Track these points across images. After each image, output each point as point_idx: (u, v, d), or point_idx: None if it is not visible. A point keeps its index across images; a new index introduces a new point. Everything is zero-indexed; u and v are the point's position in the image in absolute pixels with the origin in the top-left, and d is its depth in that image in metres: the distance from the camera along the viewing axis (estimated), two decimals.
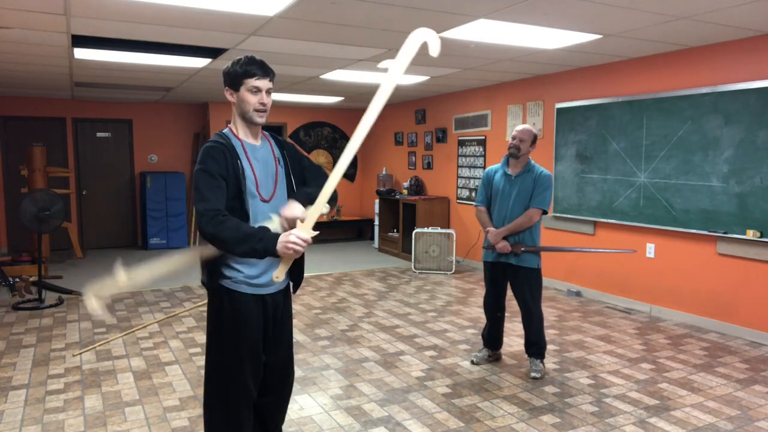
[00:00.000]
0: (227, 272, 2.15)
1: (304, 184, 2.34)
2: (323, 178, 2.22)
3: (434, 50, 1.91)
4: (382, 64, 1.87)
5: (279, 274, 2.06)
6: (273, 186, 2.20)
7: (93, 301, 2.22)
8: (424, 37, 1.88)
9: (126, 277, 2.19)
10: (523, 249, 3.76)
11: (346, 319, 5.27)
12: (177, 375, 3.86)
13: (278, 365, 2.34)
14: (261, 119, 2.15)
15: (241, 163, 2.11)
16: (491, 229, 3.86)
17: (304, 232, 1.97)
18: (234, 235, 1.94)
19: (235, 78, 2.11)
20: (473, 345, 4.51)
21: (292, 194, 2.27)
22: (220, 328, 2.19)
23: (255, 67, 2.09)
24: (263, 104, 2.12)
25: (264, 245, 1.94)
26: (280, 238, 1.94)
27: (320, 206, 2.03)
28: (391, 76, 1.94)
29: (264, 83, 2.11)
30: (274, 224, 2.10)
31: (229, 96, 2.16)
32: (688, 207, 5.00)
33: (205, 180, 2.04)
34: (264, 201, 2.16)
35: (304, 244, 1.95)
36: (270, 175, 2.20)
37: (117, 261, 2.22)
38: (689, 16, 3.97)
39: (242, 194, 2.10)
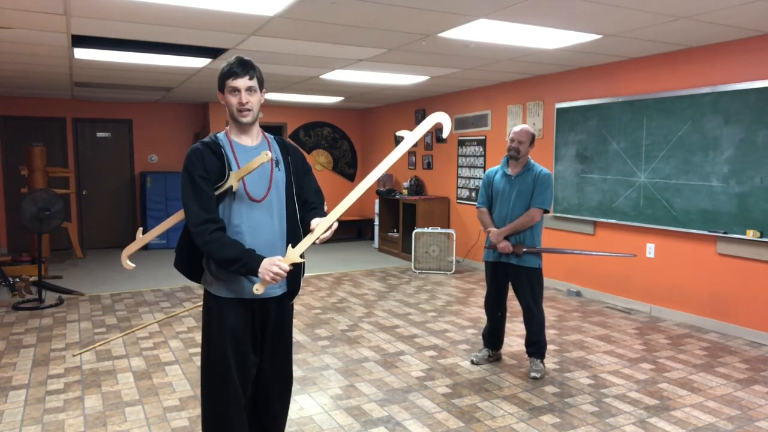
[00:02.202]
0: (210, 283, 2.22)
1: (302, 197, 2.34)
2: (320, 211, 2.33)
3: (446, 132, 2.26)
4: (400, 133, 2.20)
5: (259, 288, 2.09)
6: (266, 187, 2.18)
7: (125, 260, 2.63)
8: (439, 119, 2.23)
9: (141, 235, 2.59)
10: (524, 250, 3.76)
11: (346, 319, 5.27)
12: (177, 375, 3.86)
13: (275, 374, 2.33)
14: (245, 118, 2.13)
15: (227, 163, 2.11)
16: (493, 229, 3.86)
17: (287, 262, 2.07)
18: (220, 256, 2.06)
19: (219, 81, 2.14)
20: (473, 345, 4.51)
21: (291, 200, 2.26)
22: (208, 328, 2.24)
23: (234, 66, 2.09)
24: (242, 104, 2.10)
25: (247, 270, 2.05)
26: (265, 263, 2.03)
27: (309, 242, 2.11)
28: (405, 145, 2.20)
29: (242, 82, 2.09)
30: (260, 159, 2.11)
31: (220, 99, 2.18)
32: (688, 207, 5.00)
33: (188, 187, 2.09)
34: (255, 201, 2.15)
35: (284, 275, 2.05)
36: (263, 176, 2.18)
37: (138, 229, 2.65)
38: (689, 16, 3.97)
39: (224, 196, 2.12)
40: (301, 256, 2.11)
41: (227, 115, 2.19)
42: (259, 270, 2.02)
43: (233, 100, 2.10)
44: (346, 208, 2.18)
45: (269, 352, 2.29)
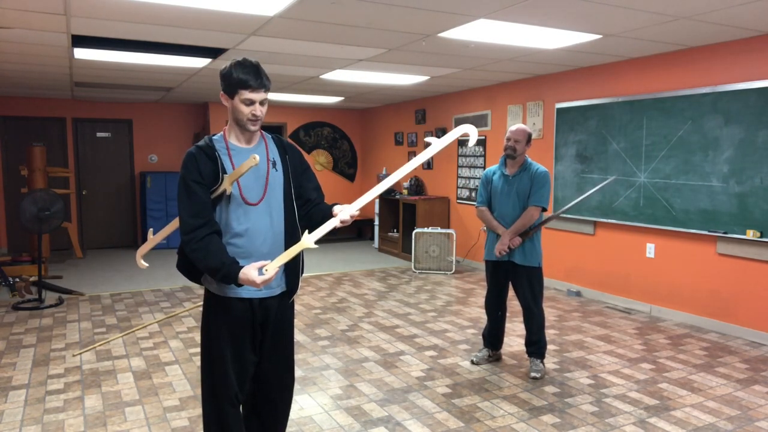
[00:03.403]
0: (210, 281, 2.23)
1: (304, 196, 2.34)
2: (324, 205, 2.30)
3: (472, 142, 2.39)
4: (428, 139, 2.34)
5: (269, 270, 2.06)
6: (262, 189, 2.18)
7: (140, 260, 2.77)
8: (467, 129, 2.37)
9: (152, 235, 2.70)
10: (531, 232, 3.77)
11: (346, 319, 5.27)
12: (177, 375, 3.86)
13: (276, 373, 2.33)
14: (254, 127, 2.14)
15: (222, 167, 2.11)
16: (500, 239, 3.83)
17: (297, 249, 2.06)
18: (202, 265, 2.07)
19: (229, 85, 2.10)
20: (473, 345, 4.51)
21: (290, 201, 2.26)
22: (207, 326, 2.25)
23: (251, 78, 2.06)
24: (255, 116, 2.11)
25: (229, 280, 2.05)
26: (245, 275, 2.01)
27: (329, 227, 2.10)
28: (432, 150, 2.32)
29: (258, 95, 2.08)
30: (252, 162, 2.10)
31: (224, 101, 2.16)
32: (688, 207, 5.00)
33: (182, 192, 2.10)
34: (251, 204, 2.16)
35: (266, 281, 2.02)
36: (260, 178, 2.18)
37: (150, 230, 2.84)
38: (689, 16, 3.97)
39: (220, 199, 2.13)
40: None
41: (229, 115, 2.18)
42: (241, 280, 2.02)
43: (245, 109, 2.10)
44: (370, 200, 2.19)
45: (270, 351, 2.30)
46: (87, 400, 3.46)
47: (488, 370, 3.98)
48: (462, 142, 7.98)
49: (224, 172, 2.11)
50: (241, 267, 2.02)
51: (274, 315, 2.27)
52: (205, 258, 2.04)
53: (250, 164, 2.06)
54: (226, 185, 2.10)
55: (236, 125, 2.17)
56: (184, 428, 3.09)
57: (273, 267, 2.02)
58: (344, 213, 2.11)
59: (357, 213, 2.14)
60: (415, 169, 9.14)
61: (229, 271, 2.02)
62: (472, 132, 2.34)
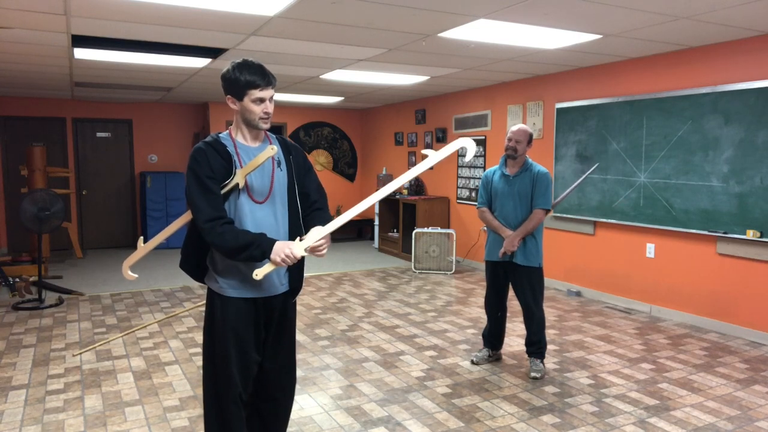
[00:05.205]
0: (214, 281, 2.24)
1: (306, 195, 2.36)
2: (323, 212, 2.34)
3: (469, 156, 2.36)
4: (425, 151, 2.30)
5: (260, 273, 2.09)
6: (268, 188, 2.20)
7: (127, 271, 2.60)
8: (464, 143, 2.33)
9: (143, 244, 2.55)
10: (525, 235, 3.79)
11: (346, 319, 5.27)
12: (177, 375, 3.86)
13: (278, 372, 2.34)
14: (266, 125, 2.19)
15: (231, 164, 2.13)
16: (507, 235, 3.82)
17: (298, 248, 2.10)
18: (233, 246, 2.06)
19: (237, 88, 2.12)
20: (473, 345, 4.51)
21: (294, 201, 2.28)
22: (211, 325, 2.25)
23: (258, 77, 2.10)
24: (267, 113, 2.15)
25: (261, 251, 2.06)
26: (277, 246, 2.06)
27: (319, 234, 2.14)
28: (424, 164, 2.26)
29: (267, 93, 2.13)
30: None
31: (232, 104, 2.17)
32: (688, 207, 5.00)
33: (195, 186, 2.10)
34: (257, 202, 2.18)
35: (294, 259, 2.07)
36: (265, 177, 2.20)
37: (139, 239, 2.61)
38: (689, 16, 3.97)
39: (229, 195, 2.15)
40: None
41: (236, 117, 2.20)
42: (271, 254, 2.05)
43: (257, 108, 2.13)
44: (349, 219, 2.21)
45: (272, 350, 2.31)
46: (87, 400, 3.46)
47: (488, 370, 3.98)
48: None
49: (235, 167, 2.13)
50: (275, 240, 2.07)
51: (277, 314, 2.29)
52: (236, 237, 2.05)
53: (267, 154, 2.11)
54: (239, 179, 2.13)
55: (245, 125, 2.20)
56: (184, 428, 3.09)
57: (262, 271, 2.09)
58: (312, 236, 2.13)
59: (323, 241, 2.14)
60: None
61: (263, 242, 2.05)
62: (469, 146, 2.34)
